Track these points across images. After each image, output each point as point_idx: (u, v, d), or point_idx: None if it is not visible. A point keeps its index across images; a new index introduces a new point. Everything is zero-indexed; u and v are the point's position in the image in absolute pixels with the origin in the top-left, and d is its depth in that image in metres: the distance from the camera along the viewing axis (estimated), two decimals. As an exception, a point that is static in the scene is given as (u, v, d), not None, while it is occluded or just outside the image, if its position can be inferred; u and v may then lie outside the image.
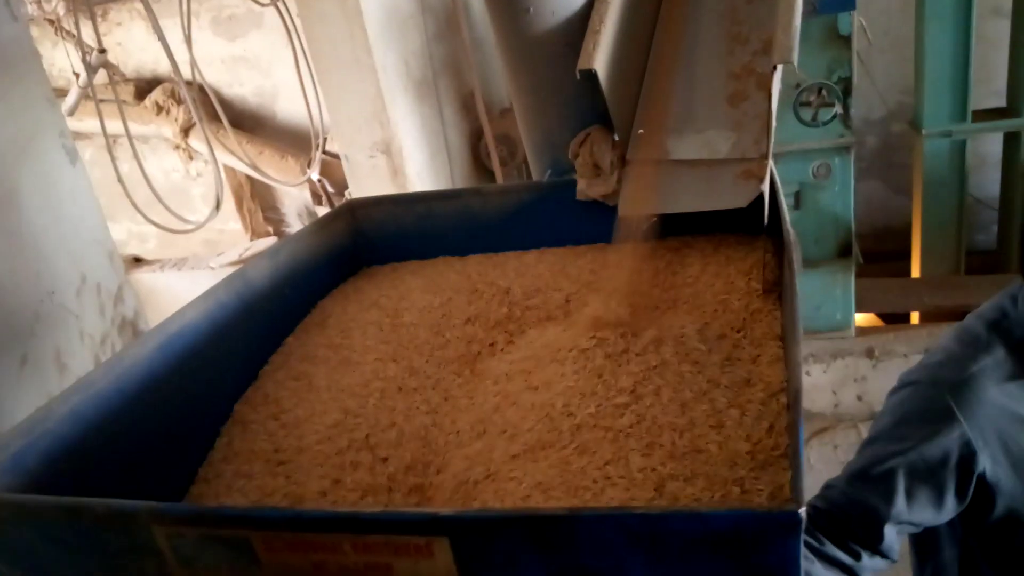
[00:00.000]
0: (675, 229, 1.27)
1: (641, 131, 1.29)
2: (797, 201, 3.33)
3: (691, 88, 1.31)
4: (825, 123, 3.12)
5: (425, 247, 1.35)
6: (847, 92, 3.09)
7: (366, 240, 1.36)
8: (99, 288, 1.95)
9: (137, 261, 4.89)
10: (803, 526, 0.51)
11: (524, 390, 0.97)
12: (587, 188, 1.28)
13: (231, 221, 4.86)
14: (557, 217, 1.31)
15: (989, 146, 3.98)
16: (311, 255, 1.27)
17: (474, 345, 1.12)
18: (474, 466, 0.88)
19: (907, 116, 3.81)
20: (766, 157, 1.06)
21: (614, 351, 0.98)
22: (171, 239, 4.22)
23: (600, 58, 1.15)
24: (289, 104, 4.51)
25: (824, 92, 3.06)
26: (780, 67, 1.11)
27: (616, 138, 1.26)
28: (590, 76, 1.15)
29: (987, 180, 4.13)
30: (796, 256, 0.94)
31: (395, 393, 1.04)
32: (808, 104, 3.11)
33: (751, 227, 1.20)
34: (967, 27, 3.34)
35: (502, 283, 1.23)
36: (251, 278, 1.13)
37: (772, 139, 1.11)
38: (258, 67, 4.62)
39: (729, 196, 1.13)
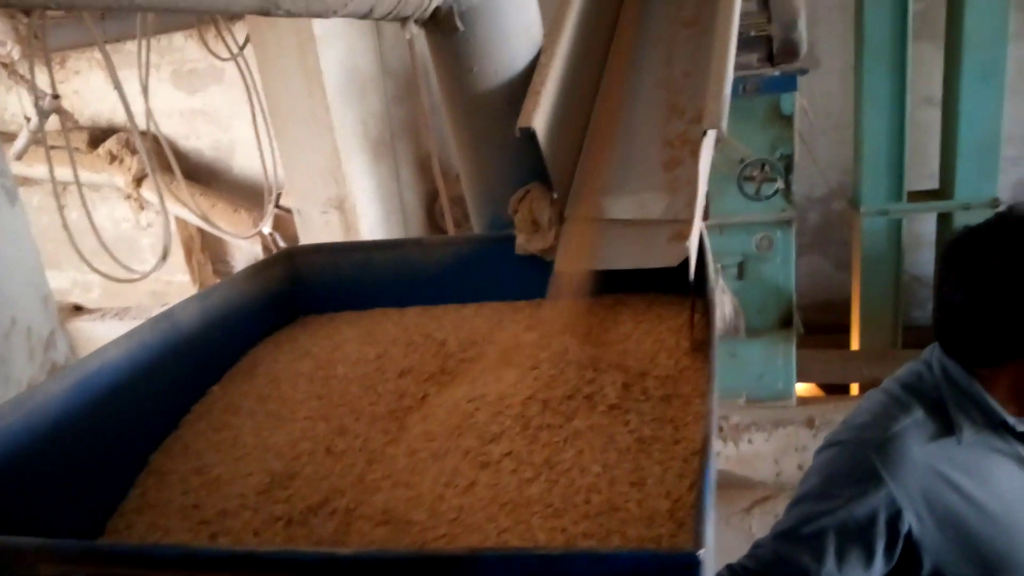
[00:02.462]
0: (611, 286, 1.30)
1: (580, 190, 1.32)
2: (741, 272, 3.41)
3: (629, 152, 1.35)
4: (768, 198, 3.23)
5: (364, 297, 1.35)
6: (788, 169, 3.22)
7: (303, 288, 1.35)
8: (29, 332, 1.89)
9: (78, 310, 4.76)
10: (702, 569, 0.51)
11: (449, 449, 0.95)
12: (526, 243, 1.30)
13: (179, 272, 4.79)
14: (496, 271, 1.32)
15: (925, 226, 4.15)
16: (244, 300, 1.25)
17: (405, 399, 1.11)
18: (395, 536, 0.85)
19: (847, 194, 3.97)
20: (692, 220, 1.10)
21: (542, 407, 0.98)
22: (116, 289, 4.13)
23: (539, 118, 1.18)
24: (245, 158, 4.51)
25: (767, 168, 3.18)
26: (711, 134, 1.15)
27: (555, 195, 1.29)
28: (529, 135, 1.18)
29: (923, 259, 4.30)
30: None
31: (323, 457, 1.01)
32: (752, 179, 3.22)
33: (684, 287, 1.23)
34: (901, 114, 3.53)
35: (438, 336, 1.23)
36: (179, 320, 1.11)
37: (701, 203, 1.14)
38: (217, 121, 4.63)
39: (661, 256, 1.16)
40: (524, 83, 1.25)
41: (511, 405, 0.99)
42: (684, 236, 1.09)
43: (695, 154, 1.18)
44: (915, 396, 1.28)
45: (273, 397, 1.13)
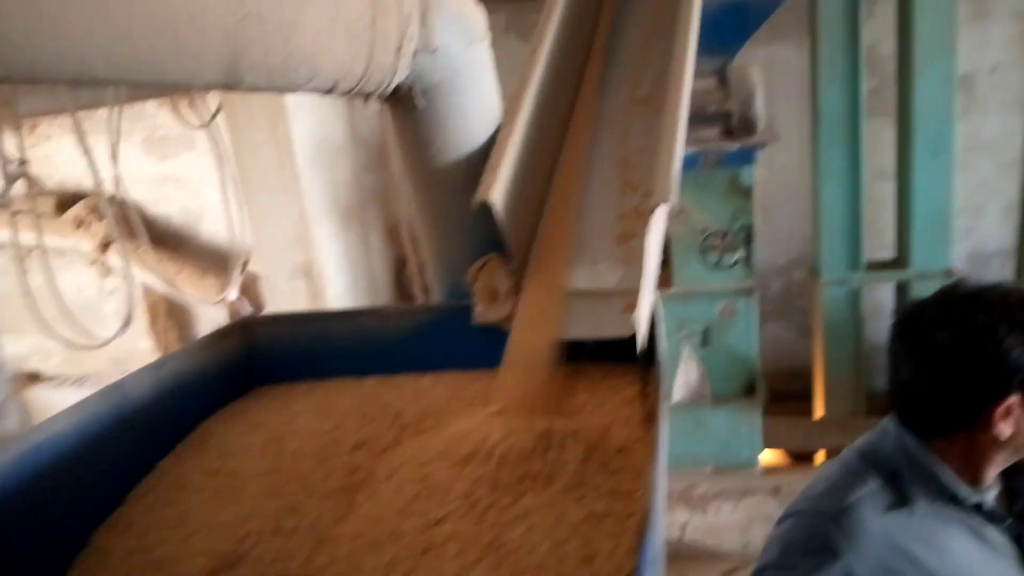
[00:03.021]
0: (569, 356, 1.31)
1: (538, 261, 1.35)
2: (705, 339, 3.45)
3: (585, 225, 1.38)
4: (729, 267, 3.31)
5: (321, 367, 1.34)
6: (749, 239, 3.30)
7: (259, 358, 1.34)
8: (-22, 401, 1.85)
9: (35, 378, 4.65)
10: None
11: (393, 532, 0.94)
12: (484, 313, 1.31)
13: (143, 339, 4.72)
14: (454, 340, 1.33)
15: (884, 294, 4.25)
16: (198, 371, 1.24)
17: (358, 474, 1.09)
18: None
19: (808, 264, 4.06)
20: (641, 291, 1.12)
21: (492, 485, 0.97)
22: (77, 355, 4.05)
23: (497, 192, 1.21)
24: (215, 224, 4.51)
25: (728, 238, 3.26)
26: (662, 209, 1.19)
27: (513, 266, 1.31)
28: (487, 208, 1.21)
29: (883, 327, 4.37)
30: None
31: (272, 537, 0.98)
32: (713, 249, 3.30)
33: (639, 358, 1.24)
34: (857, 187, 3.66)
35: (395, 407, 1.23)
36: (129, 390, 1.10)
37: (651, 275, 1.17)
38: (187, 187, 4.65)
39: (613, 326, 1.17)
40: (483, 158, 1.28)
41: (459, 483, 0.98)
42: (633, 307, 1.11)
43: (648, 228, 1.22)
44: (871, 466, 1.29)
45: (223, 471, 1.11)
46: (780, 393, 4.12)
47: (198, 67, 1.05)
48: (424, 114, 1.26)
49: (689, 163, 3.14)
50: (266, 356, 1.35)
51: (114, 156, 3.39)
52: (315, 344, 1.35)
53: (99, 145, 3.06)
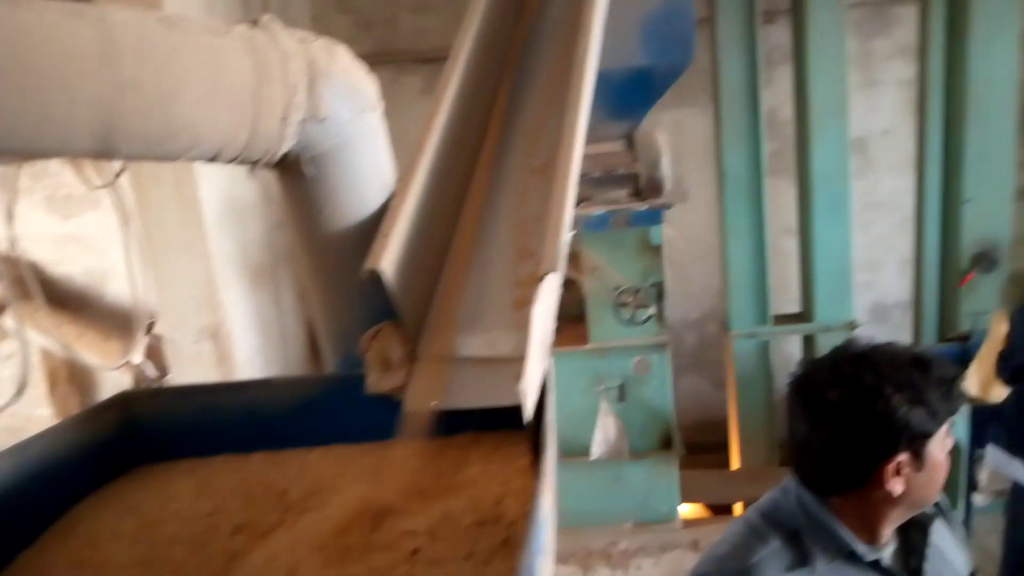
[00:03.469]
0: (464, 424, 1.29)
1: (432, 328, 1.33)
2: (622, 394, 3.48)
3: (481, 291, 1.38)
4: (642, 323, 3.36)
5: (206, 443, 1.28)
6: (660, 295, 3.37)
7: (140, 435, 1.27)
8: None
9: (-83, 450, 4.32)
10: None
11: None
12: (376, 382, 1.28)
13: (40, 406, 4.46)
14: (347, 411, 1.29)
15: (793, 347, 4.39)
16: (70, 451, 1.17)
17: (235, 560, 1.04)
18: None
19: (720, 318, 4.17)
20: (528, 359, 1.12)
21: (385, 555, 0.94)
22: (-37, 426, 3.79)
23: (387, 259, 1.20)
24: (120, 285, 4.35)
25: (640, 295, 3.32)
26: (551, 277, 1.19)
27: (407, 333, 1.29)
28: (378, 275, 1.19)
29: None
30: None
31: None
32: (626, 305, 3.35)
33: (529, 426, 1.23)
34: (762, 244, 3.80)
35: (280, 485, 1.18)
36: (-13, 477, 1.02)
37: (541, 343, 1.17)
38: (92, 247, 4.48)
39: (506, 395, 1.16)
40: (375, 224, 1.27)
41: (350, 555, 0.94)
42: (519, 376, 1.10)
43: (536, 297, 1.22)
44: (773, 525, 1.31)
45: (90, 563, 1.03)
46: (698, 445, 4.17)
47: (68, 137, 1.01)
48: (313, 182, 1.24)
49: (600, 223, 3.20)
50: (147, 433, 1.28)
51: (10, 215, 3.25)
52: (200, 419, 1.29)
53: (-4, 205, 2.92)
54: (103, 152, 1.07)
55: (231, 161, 1.19)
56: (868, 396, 1.20)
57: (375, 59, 4.60)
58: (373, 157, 1.30)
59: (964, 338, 3.62)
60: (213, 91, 1.09)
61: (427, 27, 4.35)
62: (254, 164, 1.22)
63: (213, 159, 1.17)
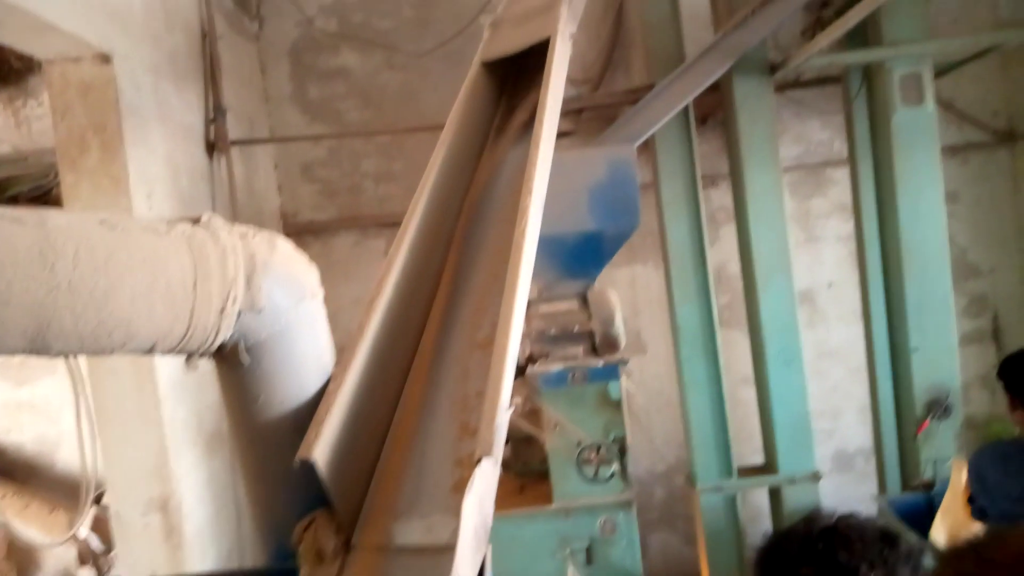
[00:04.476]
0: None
1: (370, 515, 1.31)
2: (589, 557, 3.36)
3: (421, 472, 1.37)
4: (607, 480, 3.30)
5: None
6: (623, 451, 3.34)
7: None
8: None
9: None
10: None
11: None
12: (309, 575, 1.24)
13: (-26, 586, 4.19)
14: (279, 608, 1.24)
15: (762, 499, 4.32)
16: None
17: None
18: None
19: (686, 469, 4.12)
20: (453, 548, 1.09)
21: None
22: None
23: (320, 448, 1.19)
24: (71, 454, 4.23)
25: (602, 451, 3.29)
26: (487, 461, 1.19)
27: (341, 523, 1.26)
28: (311, 465, 1.18)
29: (764, 530, 4.42)
30: None
31: None
32: (589, 462, 3.31)
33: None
34: (720, 396, 3.83)
35: None
36: None
37: (474, 531, 1.15)
38: (45, 414, 4.39)
39: (440, 589, 1.13)
40: (312, 411, 1.28)
41: None
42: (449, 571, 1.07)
43: (471, 482, 1.21)
44: None
45: None
46: (671, 607, 4.00)
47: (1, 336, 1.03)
48: (250, 370, 1.26)
49: (559, 379, 3.22)
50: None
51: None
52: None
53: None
54: (35, 351, 1.08)
55: (168, 353, 1.21)
56: (843, 574, 1.21)
57: (340, 224, 4.78)
58: (311, 344, 1.32)
59: (928, 486, 3.61)
60: (150, 288, 1.12)
61: (390, 194, 4.54)
62: (191, 355, 1.24)
63: (149, 351, 1.19)
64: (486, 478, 1.20)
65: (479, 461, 1.17)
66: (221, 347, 1.24)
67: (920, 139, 3.57)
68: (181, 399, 3.20)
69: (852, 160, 3.96)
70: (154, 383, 3.07)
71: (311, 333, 1.33)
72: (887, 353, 3.89)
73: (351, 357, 1.36)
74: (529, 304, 3.44)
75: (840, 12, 3.31)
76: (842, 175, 4.34)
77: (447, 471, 1.35)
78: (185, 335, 1.18)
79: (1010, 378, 2.71)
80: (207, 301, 1.18)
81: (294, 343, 1.29)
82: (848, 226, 4.34)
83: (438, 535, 1.25)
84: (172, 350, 1.20)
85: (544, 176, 1.70)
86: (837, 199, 4.51)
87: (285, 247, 1.31)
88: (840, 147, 4.28)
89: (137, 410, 3.08)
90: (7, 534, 4.11)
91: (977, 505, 2.77)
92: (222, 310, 1.20)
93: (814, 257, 4.56)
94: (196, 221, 1.23)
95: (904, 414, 3.82)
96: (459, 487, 1.32)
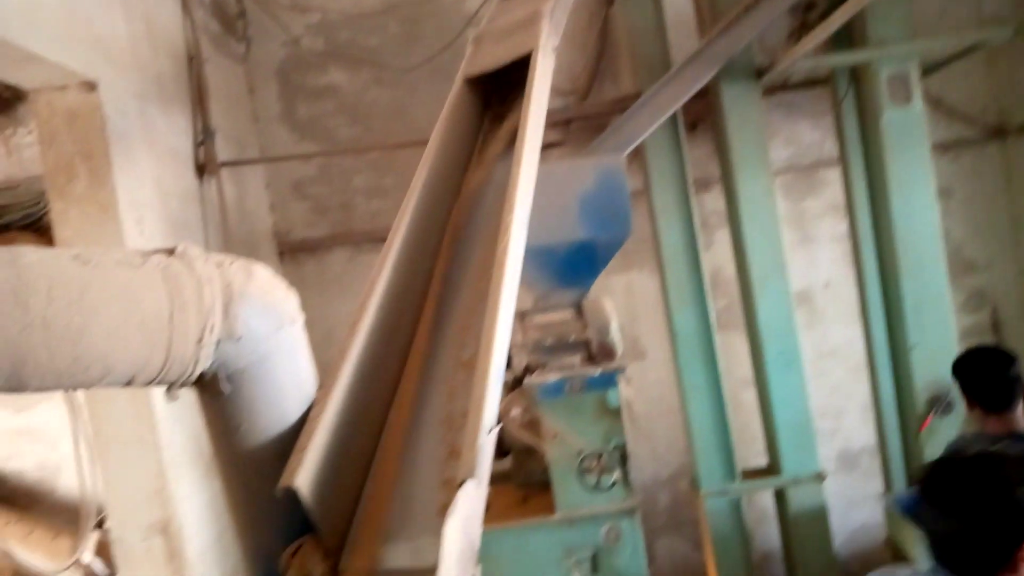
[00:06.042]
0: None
1: (357, 538, 1.30)
2: (594, 566, 3.35)
3: (409, 494, 1.36)
4: (608, 488, 3.29)
5: None
6: (624, 458, 3.32)
7: None
8: None
9: None
10: None
11: None
12: (298, 604, 1.23)
13: (-21, 617, 4.18)
14: (267, 637, 1.23)
15: (768, 501, 4.30)
16: None
17: None
18: None
19: (690, 474, 4.10)
20: (434, 571, 1.09)
21: None
22: None
23: (303, 475, 1.19)
24: (72, 479, 4.23)
25: (603, 459, 3.28)
26: (471, 483, 1.18)
27: (328, 549, 1.25)
28: (295, 492, 1.18)
29: (770, 533, 4.40)
30: None
31: None
32: (590, 471, 3.29)
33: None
34: (720, 399, 3.82)
35: None
36: None
37: (456, 555, 1.14)
38: (44, 440, 4.39)
39: (426, 614, 1.12)
40: (294, 437, 1.27)
41: None
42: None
43: (453, 505, 1.20)
44: None
45: None
46: (680, 613, 3.98)
47: (-25, 376, 1.03)
48: (230, 398, 1.25)
49: (556, 390, 3.22)
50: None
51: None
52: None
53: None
54: (11, 389, 1.08)
55: (147, 384, 1.20)
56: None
57: (333, 240, 4.78)
58: (292, 370, 1.32)
59: (933, 484, 3.58)
60: (125, 322, 1.11)
61: (382, 209, 4.54)
62: (170, 385, 1.23)
63: (128, 384, 1.18)
64: (470, 500, 1.19)
65: (462, 484, 1.16)
66: (201, 376, 1.24)
67: (910, 138, 3.56)
68: (179, 422, 3.20)
69: (843, 161, 3.96)
70: (150, 407, 3.07)
71: (291, 359, 1.32)
72: (887, 351, 3.88)
73: (333, 381, 1.35)
74: (524, 315, 3.43)
75: (825, 14, 3.31)
76: (834, 175, 4.33)
77: (435, 492, 1.34)
78: (163, 367, 1.18)
79: (962, 378, 2.73)
80: (184, 332, 1.18)
81: (274, 370, 1.29)
82: (843, 226, 4.33)
83: (425, 558, 1.24)
84: (151, 382, 1.20)
85: (528, 192, 1.70)
86: (830, 199, 4.50)
87: (263, 274, 1.30)
88: (831, 148, 4.28)
89: (135, 434, 3.08)
90: (11, 562, 4.11)
91: None
92: (200, 340, 1.19)
93: (810, 258, 4.55)
94: (171, 252, 1.22)
95: (906, 411, 3.81)
96: (443, 510, 1.31)
